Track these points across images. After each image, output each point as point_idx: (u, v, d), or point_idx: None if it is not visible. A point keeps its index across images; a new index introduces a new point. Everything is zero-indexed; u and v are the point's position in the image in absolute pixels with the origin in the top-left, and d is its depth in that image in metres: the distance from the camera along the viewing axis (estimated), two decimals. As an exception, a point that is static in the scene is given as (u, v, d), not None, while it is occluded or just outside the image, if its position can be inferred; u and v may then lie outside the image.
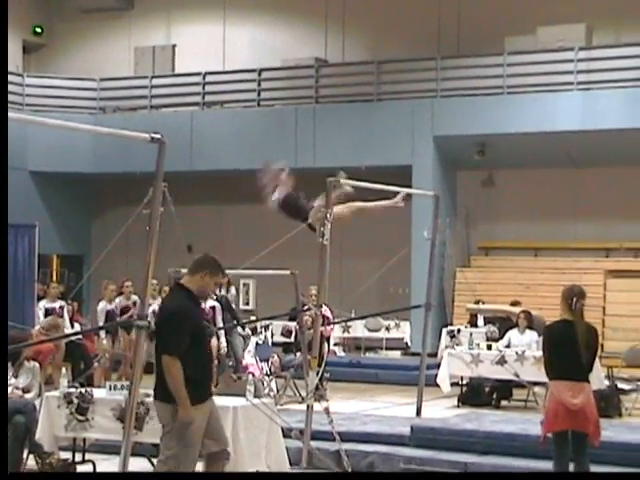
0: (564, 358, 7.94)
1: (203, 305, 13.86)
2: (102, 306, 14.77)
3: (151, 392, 8.43)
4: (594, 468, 8.38)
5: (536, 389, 14.10)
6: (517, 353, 13.81)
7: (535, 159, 21.64)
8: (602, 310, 20.99)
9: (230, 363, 14.16)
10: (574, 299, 7.99)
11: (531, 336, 14.47)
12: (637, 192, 21.24)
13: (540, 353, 13.72)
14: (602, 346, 20.19)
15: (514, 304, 17.57)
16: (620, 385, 14.05)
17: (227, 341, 14.18)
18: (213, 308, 14.05)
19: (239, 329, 15.01)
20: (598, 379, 13.78)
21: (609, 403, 13.32)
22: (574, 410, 7.80)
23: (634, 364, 15.39)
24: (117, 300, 15.01)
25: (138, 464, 9.19)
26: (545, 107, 20.42)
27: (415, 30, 23.28)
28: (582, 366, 7.95)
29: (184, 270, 11.79)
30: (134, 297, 14.96)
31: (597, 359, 14.13)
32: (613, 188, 21.44)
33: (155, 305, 14.43)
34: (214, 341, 13.92)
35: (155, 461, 8.86)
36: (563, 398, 7.80)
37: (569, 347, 7.89)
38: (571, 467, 8.06)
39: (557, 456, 8.05)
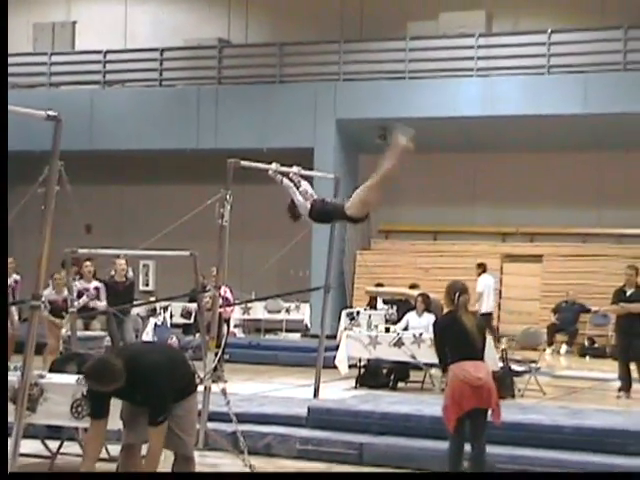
0: (459, 345, 8.20)
1: (87, 286, 13.81)
2: None
3: (44, 372, 8.34)
4: (489, 448, 8.55)
5: (432, 371, 14.29)
6: (414, 335, 13.97)
7: (435, 144, 21.82)
8: (498, 293, 21.38)
9: (120, 343, 14.05)
10: (457, 294, 8.36)
11: (428, 319, 14.63)
12: (534, 178, 21.65)
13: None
14: (497, 328, 20.61)
15: (412, 287, 17.78)
16: (514, 367, 14.32)
17: (119, 323, 14.05)
18: (97, 289, 13.95)
19: (136, 310, 14.91)
20: (492, 361, 14.05)
21: (503, 384, 13.54)
22: (479, 385, 8.01)
23: (527, 346, 15.71)
24: None
25: (31, 446, 9.10)
26: (446, 92, 20.67)
27: (318, 13, 23.33)
28: (476, 348, 8.21)
29: (81, 251, 11.70)
30: (15, 275, 14.72)
31: (491, 342, 14.45)
32: (510, 174, 21.82)
33: (60, 297, 14.27)
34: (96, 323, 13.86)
35: (48, 442, 8.78)
36: (467, 375, 8.00)
37: (461, 336, 8.17)
38: (467, 447, 8.25)
39: (456, 440, 8.21)
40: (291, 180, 9.79)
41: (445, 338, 8.33)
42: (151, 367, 6.90)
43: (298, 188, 9.61)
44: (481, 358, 8.25)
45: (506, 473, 9.27)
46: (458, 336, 8.19)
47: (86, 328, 13.91)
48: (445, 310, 8.65)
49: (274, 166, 10.06)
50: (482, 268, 19.78)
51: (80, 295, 13.76)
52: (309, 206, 9.47)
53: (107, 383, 6.79)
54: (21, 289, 15.08)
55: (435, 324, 8.72)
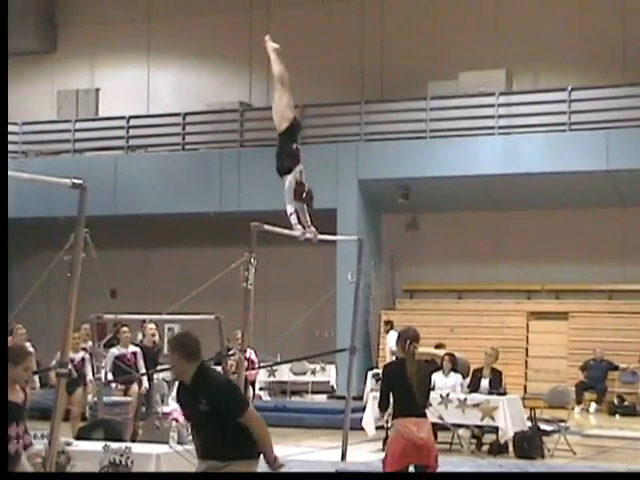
0: (400, 395, 8.44)
1: (125, 351, 13.79)
2: None
3: (71, 440, 8.30)
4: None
5: (460, 431, 14.15)
6: (441, 396, 13.86)
7: (458, 202, 21.90)
8: (525, 351, 21.23)
9: (143, 409, 13.97)
10: (407, 341, 8.53)
11: (455, 379, 14.55)
12: (557, 235, 21.58)
13: (464, 395, 13.90)
14: (524, 387, 20.44)
15: (438, 347, 17.68)
16: (542, 426, 14.17)
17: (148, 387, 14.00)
18: (134, 354, 13.89)
19: (162, 375, 14.85)
20: (520, 420, 13.93)
21: (532, 444, 13.43)
22: (420, 444, 8.24)
23: (556, 405, 15.54)
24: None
25: (59, 514, 9.03)
26: (467, 151, 20.70)
27: (339, 74, 23.51)
28: (417, 402, 8.40)
29: (107, 316, 11.72)
30: (27, 344, 14.64)
31: (519, 401, 14.33)
32: (533, 231, 21.75)
33: (77, 355, 14.23)
34: (135, 387, 13.75)
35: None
36: (410, 434, 8.22)
37: (402, 385, 8.40)
38: None
39: None
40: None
41: (391, 386, 8.52)
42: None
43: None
44: (423, 414, 8.46)
45: (511, 473, 9.15)
46: (402, 389, 8.39)
47: (125, 394, 13.81)
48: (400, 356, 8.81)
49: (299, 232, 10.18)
50: (389, 325, 20.24)
51: (121, 359, 13.69)
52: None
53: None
54: (37, 356, 15.07)
55: (383, 370, 8.95)
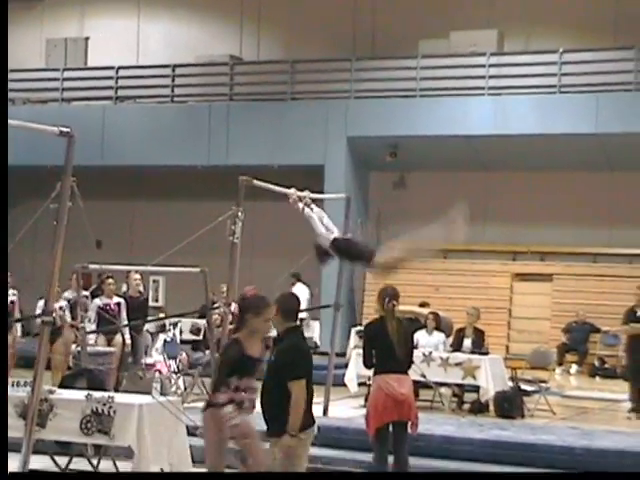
0: (382, 353, 8.60)
1: (109, 302, 13.79)
2: None
3: (54, 388, 8.32)
4: (499, 468, 8.53)
5: (442, 390, 14.25)
6: (424, 354, 13.93)
7: (446, 162, 21.89)
8: (508, 312, 21.34)
9: (129, 360, 13.99)
10: (386, 299, 8.65)
11: (438, 337, 14.63)
12: (545, 197, 21.62)
13: (446, 354, 13.99)
14: (507, 348, 20.57)
15: (422, 305, 17.74)
16: (523, 386, 14.28)
17: (132, 338, 14.00)
18: (118, 304, 13.90)
19: (145, 326, 14.87)
20: (502, 380, 14.03)
21: (512, 404, 13.54)
22: (401, 400, 8.42)
23: (537, 365, 15.65)
24: None
25: (40, 462, 9.08)
26: (456, 111, 20.66)
27: (330, 31, 23.38)
28: (399, 359, 8.54)
29: (92, 266, 11.71)
30: (11, 290, 14.64)
31: (502, 361, 14.42)
32: (521, 193, 21.78)
33: (57, 304, 14.23)
34: (118, 338, 13.77)
35: (57, 458, 8.77)
36: (391, 389, 8.38)
37: (384, 342, 8.55)
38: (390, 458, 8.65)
39: (379, 448, 8.61)
40: (311, 209, 9.79)
41: (373, 344, 8.67)
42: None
43: (321, 220, 9.62)
44: (405, 371, 8.63)
45: (511, 473, 9.25)
46: (384, 346, 8.54)
47: (109, 344, 13.82)
48: (378, 315, 8.86)
49: (293, 191, 10.06)
50: (296, 277, 20.24)
51: (105, 310, 13.68)
52: (331, 239, 9.43)
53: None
54: (20, 305, 15.09)
55: (365, 328, 9.12)
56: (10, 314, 14.28)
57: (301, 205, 9.83)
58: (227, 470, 7.34)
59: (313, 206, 9.80)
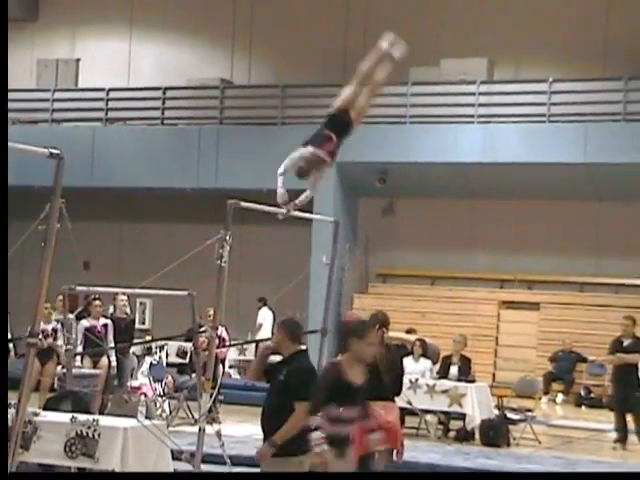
0: (369, 380, 8.46)
1: (95, 323, 13.75)
2: None
3: (39, 410, 8.28)
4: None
5: (428, 417, 14.23)
6: (410, 381, 13.91)
7: (435, 189, 21.93)
8: (495, 340, 21.34)
9: (115, 383, 13.93)
10: (376, 326, 8.58)
11: (425, 364, 14.62)
12: (532, 225, 21.67)
13: (432, 381, 13.96)
14: (493, 376, 20.55)
15: (409, 332, 17.71)
16: (509, 415, 14.26)
17: (118, 360, 13.94)
18: (105, 326, 13.85)
19: (132, 349, 14.83)
20: (488, 408, 14.01)
21: (498, 432, 13.53)
22: (387, 428, 8.37)
23: (523, 394, 15.64)
24: None
25: (23, 484, 9.01)
26: (446, 138, 20.72)
27: (321, 56, 23.46)
28: (385, 386, 8.57)
29: (79, 288, 11.67)
30: None
31: (487, 389, 14.42)
32: (509, 220, 21.83)
33: (49, 326, 14.21)
34: (104, 360, 13.71)
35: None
36: (377, 417, 8.28)
37: (371, 369, 8.46)
38: None
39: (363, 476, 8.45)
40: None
41: None
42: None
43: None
44: (392, 398, 8.65)
45: (511, 473, 9.22)
46: (371, 373, 8.43)
47: (95, 366, 13.75)
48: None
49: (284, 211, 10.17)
50: (262, 302, 21.07)
51: (92, 332, 13.60)
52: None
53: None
54: (10, 326, 15.03)
55: None
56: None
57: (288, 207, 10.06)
58: None
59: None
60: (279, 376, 7.12)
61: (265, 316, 21.23)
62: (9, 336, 14.74)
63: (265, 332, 20.81)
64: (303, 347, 7.41)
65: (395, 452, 8.60)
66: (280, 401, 7.02)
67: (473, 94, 21.07)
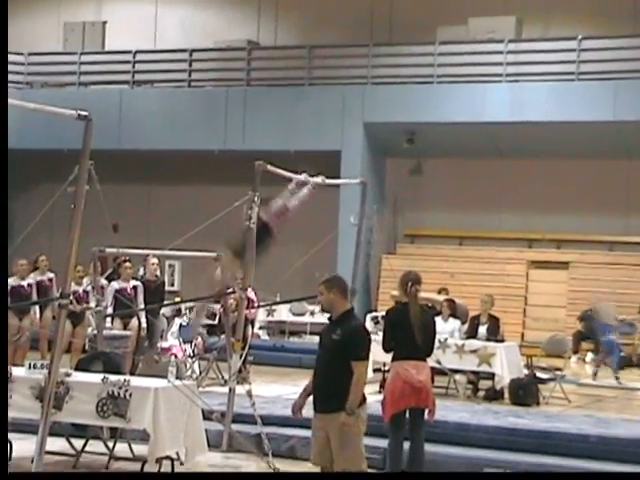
0: (402, 339, 8.60)
1: (125, 285, 13.83)
2: (10, 282, 14.23)
3: (71, 371, 8.36)
4: (514, 455, 8.50)
5: (457, 377, 14.24)
6: (440, 341, 13.87)
7: (462, 149, 21.84)
8: (524, 300, 21.32)
9: (145, 344, 14.02)
10: (409, 284, 8.71)
11: (454, 324, 14.61)
12: (561, 184, 21.56)
13: (461, 341, 13.97)
14: (522, 335, 20.54)
15: (441, 291, 17.70)
16: (538, 374, 14.26)
17: (148, 322, 14.02)
18: (135, 288, 13.91)
19: (163, 311, 14.90)
20: (517, 368, 14.01)
21: (527, 392, 13.52)
22: (419, 387, 8.44)
23: (553, 353, 15.62)
24: (32, 275, 14.68)
25: (56, 444, 9.13)
26: (474, 97, 20.61)
27: (348, 16, 23.33)
28: (418, 346, 8.54)
29: (109, 250, 11.74)
30: (49, 273, 14.74)
31: (517, 348, 14.40)
32: (537, 180, 21.73)
33: (80, 288, 14.30)
34: (134, 322, 13.79)
35: (73, 441, 8.81)
36: (409, 376, 8.40)
37: (404, 328, 8.56)
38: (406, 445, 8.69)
39: (395, 434, 8.64)
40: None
41: (393, 330, 8.65)
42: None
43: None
44: (424, 358, 8.63)
45: (512, 473, 9.24)
46: (404, 332, 8.54)
47: (125, 328, 13.84)
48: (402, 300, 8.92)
49: (303, 177, 10.20)
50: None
51: (122, 294, 13.67)
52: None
53: None
54: (56, 286, 15.11)
55: (387, 313, 9.03)
56: (46, 293, 14.42)
57: (305, 191, 10.06)
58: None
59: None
60: (332, 335, 7.20)
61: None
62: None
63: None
64: (351, 305, 7.50)
65: (428, 411, 8.64)
66: (334, 359, 7.09)
67: (501, 53, 20.91)
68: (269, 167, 10.52)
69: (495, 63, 20.98)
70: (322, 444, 7.16)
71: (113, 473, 8.87)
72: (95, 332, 12.31)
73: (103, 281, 14.04)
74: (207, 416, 9.20)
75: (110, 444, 9.32)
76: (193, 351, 14.44)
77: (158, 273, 14.70)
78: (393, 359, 8.65)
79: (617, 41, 20.50)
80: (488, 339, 14.11)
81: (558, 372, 14.38)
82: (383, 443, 9.13)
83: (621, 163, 21.18)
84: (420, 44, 21.78)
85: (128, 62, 23.78)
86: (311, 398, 7.28)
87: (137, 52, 23.79)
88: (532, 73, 20.77)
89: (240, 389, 10.15)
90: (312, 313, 21.22)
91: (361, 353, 7.13)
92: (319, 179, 10.35)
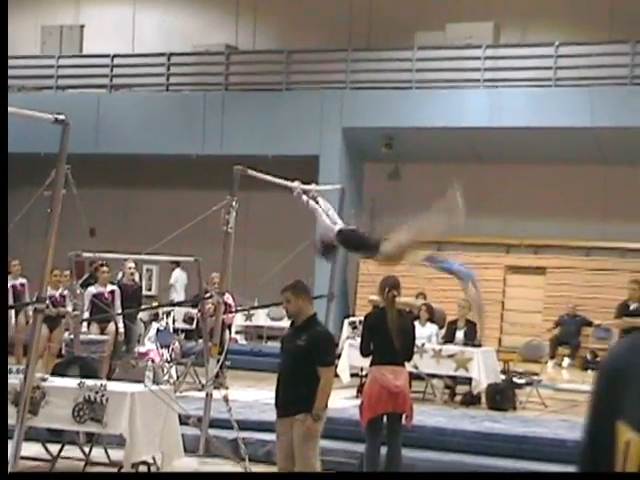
0: (380, 344, 8.64)
1: (102, 290, 13.79)
2: None
3: (47, 376, 8.32)
4: (491, 460, 8.52)
5: (434, 381, 14.27)
6: (417, 345, 13.88)
7: (441, 154, 21.88)
8: (501, 305, 21.37)
9: (122, 349, 13.98)
10: (386, 289, 8.72)
11: (431, 329, 14.65)
12: (538, 190, 21.63)
13: (439, 346, 14.01)
14: (499, 340, 20.60)
15: (419, 295, 17.74)
16: (515, 379, 14.30)
17: (125, 326, 13.99)
18: (112, 292, 13.88)
19: (140, 315, 14.88)
20: (494, 372, 14.05)
21: (504, 396, 13.56)
22: (395, 392, 8.45)
23: (530, 358, 15.68)
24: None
25: (32, 449, 9.08)
26: (452, 103, 20.67)
27: (327, 21, 23.35)
28: (396, 351, 8.57)
29: (86, 254, 11.70)
30: (21, 279, 14.69)
31: (494, 353, 14.43)
32: (515, 185, 21.79)
33: (57, 292, 14.24)
34: (112, 326, 13.75)
35: (49, 446, 8.77)
36: (386, 381, 8.41)
37: (382, 333, 8.58)
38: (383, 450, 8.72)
39: (372, 439, 8.68)
40: (316, 201, 9.86)
41: (371, 334, 8.72)
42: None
43: (327, 213, 9.73)
44: (402, 363, 8.67)
45: (511, 473, 9.26)
46: (382, 337, 8.59)
47: (102, 332, 13.79)
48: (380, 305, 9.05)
49: (297, 184, 10.12)
50: (175, 264, 21.32)
51: (99, 298, 13.63)
52: (336, 231, 9.53)
53: None
54: (29, 292, 15.05)
55: (365, 318, 9.16)
56: (19, 298, 14.37)
57: (305, 198, 9.88)
58: None
59: (320, 199, 9.84)
60: (297, 341, 7.26)
61: (177, 277, 21.93)
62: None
63: (177, 293, 21.67)
64: (314, 311, 7.53)
65: (405, 416, 8.65)
66: (300, 364, 7.11)
67: (479, 58, 20.98)
68: (249, 171, 10.52)
69: (473, 69, 21.05)
70: (287, 448, 7.19)
71: (113, 473, 8.82)
72: (72, 336, 12.27)
73: (78, 286, 13.99)
74: (184, 421, 9.19)
75: (86, 449, 9.28)
76: (170, 356, 14.41)
77: (136, 277, 14.67)
78: (371, 364, 8.67)
79: (594, 47, 20.61)
80: (465, 344, 14.14)
81: (535, 377, 14.43)
82: (360, 448, 9.15)
83: (598, 169, 21.27)
84: (398, 49, 21.84)
85: (106, 66, 23.72)
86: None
87: (115, 56, 23.73)
88: (510, 79, 20.85)
89: (217, 394, 10.13)
90: (290, 318, 21.17)
91: (328, 359, 7.22)
92: (295, 184, 10.31)
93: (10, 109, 7.66)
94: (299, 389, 7.09)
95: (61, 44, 24.77)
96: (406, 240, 8.98)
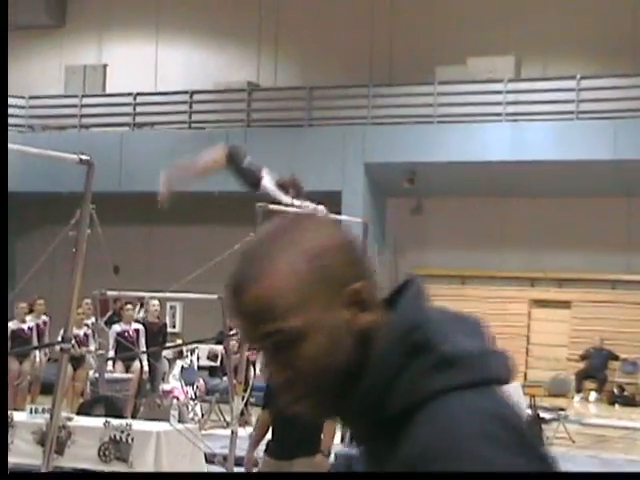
0: None
1: (127, 328, 13.81)
2: (10, 325, 14.17)
3: (72, 415, 8.31)
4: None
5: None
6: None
7: (463, 188, 21.86)
8: (526, 339, 21.24)
9: (147, 387, 13.97)
10: None
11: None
12: (562, 223, 21.56)
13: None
14: (525, 375, 20.45)
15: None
16: (542, 414, 14.18)
17: (150, 365, 13.98)
18: (137, 331, 13.88)
19: (164, 353, 14.87)
20: (520, 408, 13.93)
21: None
22: None
23: (556, 393, 15.56)
24: (28, 318, 14.66)
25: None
26: (474, 137, 20.66)
27: (348, 57, 23.45)
28: None
29: (110, 292, 11.72)
30: (44, 317, 14.72)
31: (520, 388, 14.33)
32: (538, 219, 21.72)
33: (81, 331, 14.27)
34: (136, 364, 13.74)
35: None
36: None
37: None
38: None
39: None
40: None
41: None
42: None
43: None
44: None
45: (511, 473, 9.16)
46: None
47: (127, 371, 13.78)
48: None
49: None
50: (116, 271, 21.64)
51: (124, 336, 13.62)
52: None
53: None
54: (49, 330, 15.07)
55: None
56: (40, 338, 14.41)
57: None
58: None
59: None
60: None
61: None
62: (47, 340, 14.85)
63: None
64: None
65: None
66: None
67: (500, 92, 21.00)
68: (271, 206, 10.54)
69: (495, 103, 21.06)
70: None
71: (113, 473, 8.76)
72: (97, 375, 12.28)
73: (102, 324, 14.01)
74: (209, 459, 9.15)
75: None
76: (195, 393, 14.38)
77: (160, 315, 14.68)
78: None
79: (616, 80, 20.60)
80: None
81: (561, 412, 14.31)
82: None
83: (621, 201, 21.20)
84: (419, 84, 21.88)
85: (129, 104, 23.88)
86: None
87: (138, 94, 23.89)
88: (532, 112, 20.85)
89: (242, 431, 10.08)
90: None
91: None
92: (320, 207, 10.41)
93: (36, 150, 7.70)
94: (305, 428, 6.48)
95: (84, 83, 24.98)
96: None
